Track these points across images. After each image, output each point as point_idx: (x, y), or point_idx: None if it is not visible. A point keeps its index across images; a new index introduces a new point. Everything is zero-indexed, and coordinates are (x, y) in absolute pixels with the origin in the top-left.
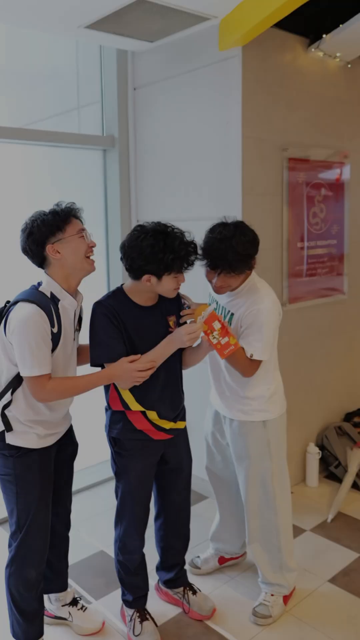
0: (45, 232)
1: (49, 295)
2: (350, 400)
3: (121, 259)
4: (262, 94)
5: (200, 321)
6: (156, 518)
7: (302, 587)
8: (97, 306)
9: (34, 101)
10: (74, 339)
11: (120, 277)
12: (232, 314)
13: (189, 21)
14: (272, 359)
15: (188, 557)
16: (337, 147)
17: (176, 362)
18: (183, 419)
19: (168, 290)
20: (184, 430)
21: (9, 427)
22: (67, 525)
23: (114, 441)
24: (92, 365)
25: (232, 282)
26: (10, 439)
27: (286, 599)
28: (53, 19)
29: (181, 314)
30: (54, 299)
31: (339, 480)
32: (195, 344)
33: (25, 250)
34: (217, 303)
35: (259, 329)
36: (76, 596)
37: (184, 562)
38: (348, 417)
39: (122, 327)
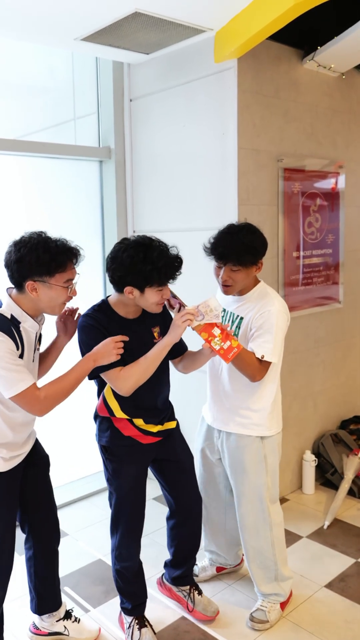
0: (34, 269)
1: (9, 317)
2: (346, 407)
3: (107, 270)
4: (258, 105)
5: (193, 306)
6: (168, 518)
7: (298, 592)
8: (85, 319)
9: (30, 113)
10: (34, 360)
11: None
12: (242, 318)
13: (184, 33)
14: (277, 368)
15: None
16: (332, 157)
17: (163, 370)
18: (171, 419)
19: (152, 305)
20: (176, 428)
21: None
22: (57, 539)
23: (104, 449)
24: (90, 378)
25: (238, 278)
26: None
27: (283, 604)
28: (49, 31)
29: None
30: (14, 321)
31: (335, 487)
32: (199, 348)
33: (7, 267)
34: (224, 310)
35: (269, 330)
36: (68, 609)
37: (194, 561)
38: (344, 424)
39: (106, 331)
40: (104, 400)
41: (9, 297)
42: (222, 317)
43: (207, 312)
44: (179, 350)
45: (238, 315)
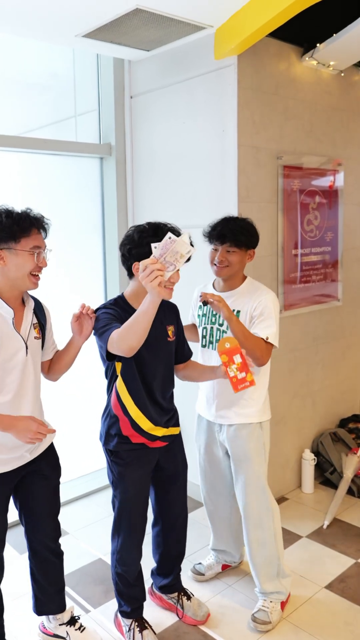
0: None
1: None
2: (345, 406)
3: (122, 255)
4: (258, 102)
5: (155, 257)
6: (154, 525)
7: (298, 593)
8: (101, 310)
9: (31, 109)
10: (27, 350)
11: (117, 284)
12: (239, 311)
13: (185, 30)
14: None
15: (189, 565)
16: (330, 154)
17: (168, 367)
18: (176, 424)
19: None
20: (179, 436)
21: None
22: (57, 555)
23: (110, 452)
24: (108, 359)
25: (234, 260)
26: None
27: (283, 604)
28: (50, 27)
29: (201, 294)
30: None
31: (335, 486)
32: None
33: None
34: (210, 313)
35: (270, 316)
36: (74, 615)
37: (180, 568)
38: (343, 423)
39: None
40: (117, 396)
41: None
42: (203, 315)
43: (178, 259)
44: (182, 355)
45: (234, 309)
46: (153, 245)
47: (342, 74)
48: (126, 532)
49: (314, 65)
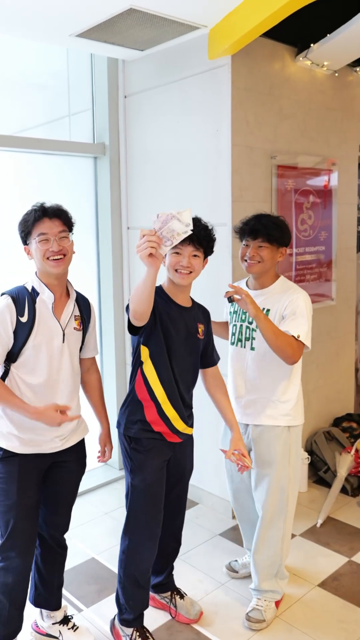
0: (20, 235)
1: (29, 288)
2: (339, 405)
3: None
4: (251, 102)
5: (153, 229)
6: None
7: (292, 591)
8: None
9: (25, 109)
10: (63, 335)
11: (110, 283)
12: (268, 310)
13: (179, 30)
14: (301, 360)
15: (182, 564)
16: (324, 154)
17: (194, 365)
18: (192, 425)
19: (171, 269)
20: (192, 438)
21: None
22: (62, 547)
23: (130, 440)
24: (131, 333)
25: (265, 255)
26: None
27: (277, 603)
28: (44, 27)
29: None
30: (34, 292)
31: (328, 485)
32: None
33: None
34: (241, 311)
35: (302, 315)
36: (68, 615)
37: (173, 567)
38: (337, 422)
39: (156, 309)
40: (145, 380)
41: (34, 273)
42: (234, 312)
43: (174, 236)
44: (208, 358)
45: (263, 308)
46: (156, 214)
47: (336, 74)
48: (144, 525)
49: (308, 65)
